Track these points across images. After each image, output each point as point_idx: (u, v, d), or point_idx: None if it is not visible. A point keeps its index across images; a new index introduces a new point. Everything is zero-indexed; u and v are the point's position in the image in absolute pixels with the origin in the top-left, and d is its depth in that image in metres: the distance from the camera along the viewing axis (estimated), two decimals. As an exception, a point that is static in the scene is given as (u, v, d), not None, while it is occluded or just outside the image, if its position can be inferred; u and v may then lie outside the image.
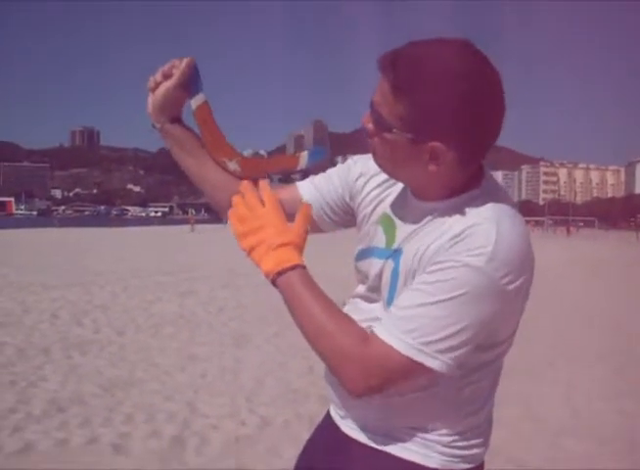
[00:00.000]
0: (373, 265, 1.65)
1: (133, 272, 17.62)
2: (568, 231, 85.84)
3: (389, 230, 1.64)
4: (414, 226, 1.57)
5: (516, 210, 1.52)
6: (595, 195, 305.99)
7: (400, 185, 1.65)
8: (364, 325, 1.51)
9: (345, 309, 1.68)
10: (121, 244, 35.45)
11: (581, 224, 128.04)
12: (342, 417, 1.71)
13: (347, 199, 1.78)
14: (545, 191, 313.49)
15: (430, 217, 1.54)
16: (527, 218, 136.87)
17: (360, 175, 1.74)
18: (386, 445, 1.60)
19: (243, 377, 6.77)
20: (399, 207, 1.65)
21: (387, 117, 1.44)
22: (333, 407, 1.77)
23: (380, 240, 1.65)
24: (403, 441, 1.59)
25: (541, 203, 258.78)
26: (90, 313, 10.68)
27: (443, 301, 1.39)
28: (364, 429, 1.64)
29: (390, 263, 1.58)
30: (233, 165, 1.73)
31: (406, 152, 1.45)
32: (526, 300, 1.52)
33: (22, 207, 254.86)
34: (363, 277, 1.70)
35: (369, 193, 1.73)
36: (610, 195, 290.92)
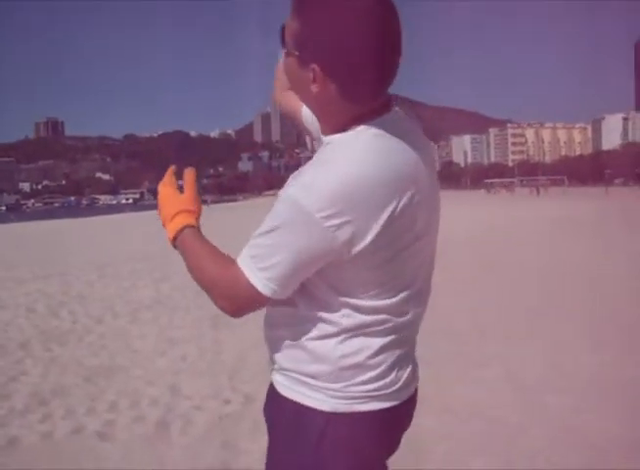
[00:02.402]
0: None
1: (108, 261, 17.52)
2: (537, 191, 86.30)
3: None
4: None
5: (384, 156, 1.51)
6: (563, 153, 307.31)
7: None
8: None
9: None
10: (94, 233, 35.20)
11: (550, 183, 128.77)
12: (271, 365, 1.82)
13: None
14: (514, 152, 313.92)
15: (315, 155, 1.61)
16: (497, 180, 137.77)
17: None
18: (284, 388, 1.70)
19: (223, 357, 6.79)
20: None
21: (287, 35, 1.56)
22: None
23: None
24: (300, 384, 1.67)
25: (510, 164, 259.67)
26: (67, 304, 10.62)
27: (269, 231, 1.52)
28: (276, 370, 1.75)
29: None
30: None
31: (298, 72, 1.56)
32: (383, 244, 1.51)
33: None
34: None
35: None
36: (578, 153, 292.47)
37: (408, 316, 1.67)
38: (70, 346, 7.70)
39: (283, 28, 1.58)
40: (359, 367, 1.62)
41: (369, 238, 1.48)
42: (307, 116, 1.98)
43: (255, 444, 4.28)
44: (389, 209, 1.48)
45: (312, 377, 1.64)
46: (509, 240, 18.88)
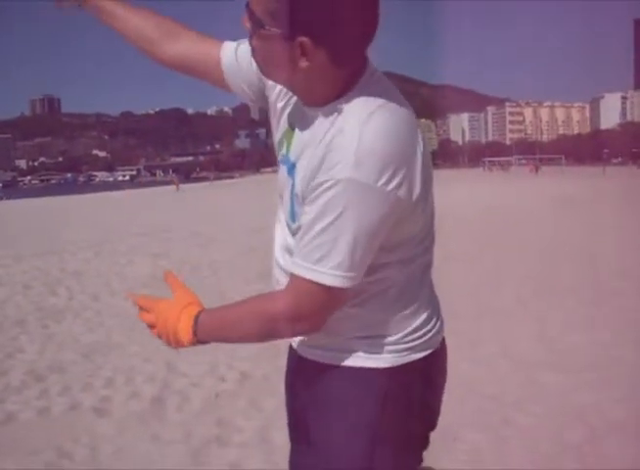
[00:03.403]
0: (281, 175, 1.71)
1: (104, 237, 17.50)
2: (535, 169, 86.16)
3: (288, 138, 1.69)
4: (304, 138, 1.60)
5: (394, 104, 1.52)
6: (561, 132, 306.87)
7: None
8: (278, 254, 1.71)
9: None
10: (90, 210, 35.16)
11: (548, 162, 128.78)
12: (297, 343, 1.78)
13: (262, 85, 1.79)
14: (512, 131, 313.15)
15: (313, 127, 1.57)
16: (495, 159, 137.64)
17: None
18: (337, 359, 1.67)
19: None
20: (297, 112, 1.67)
21: (259, 13, 1.46)
22: None
23: (285, 148, 1.70)
24: (352, 351, 1.65)
25: (508, 143, 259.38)
26: (63, 281, 10.62)
27: (333, 222, 1.44)
28: (315, 347, 1.71)
29: (290, 182, 1.63)
30: None
31: (279, 50, 1.47)
32: (422, 191, 1.52)
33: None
34: (280, 190, 1.74)
35: (282, 89, 1.73)
36: (576, 132, 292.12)
37: (431, 261, 1.73)
38: (67, 322, 7.70)
39: (249, 8, 1.49)
40: (410, 317, 1.66)
41: (419, 185, 1.50)
42: (231, 64, 1.82)
43: (251, 421, 4.29)
44: (419, 154, 1.51)
45: (366, 337, 1.65)
46: (506, 219, 18.85)
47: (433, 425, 1.85)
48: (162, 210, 32.28)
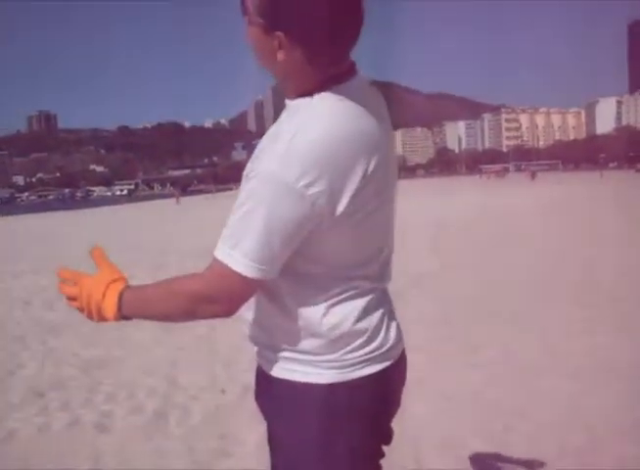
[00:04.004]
0: None
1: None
2: (532, 176, 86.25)
3: None
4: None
5: (346, 119, 1.54)
6: (557, 138, 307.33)
7: None
8: None
9: None
10: (88, 225, 35.15)
11: (545, 168, 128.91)
12: (257, 354, 1.81)
13: None
14: (508, 138, 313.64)
15: (279, 119, 1.61)
16: (492, 166, 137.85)
17: None
18: (280, 370, 1.70)
19: (219, 346, 6.77)
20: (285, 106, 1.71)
21: (248, 4, 1.54)
22: None
23: None
24: (293, 364, 1.67)
25: (505, 150, 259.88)
26: (62, 297, 10.54)
27: (250, 211, 1.48)
28: (261, 356, 1.76)
29: None
30: None
31: (261, 39, 1.55)
32: (351, 209, 1.53)
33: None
34: None
35: None
36: (572, 137, 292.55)
37: (381, 276, 1.74)
38: (67, 338, 7.68)
39: None
40: (349, 334, 1.65)
41: (346, 200, 1.51)
42: None
43: (252, 434, 4.27)
44: (361, 170, 1.52)
45: (305, 353, 1.66)
46: (503, 225, 18.87)
47: (386, 439, 1.83)
48: (161, 223, 32.30)
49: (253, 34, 1.58)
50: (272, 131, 1.55)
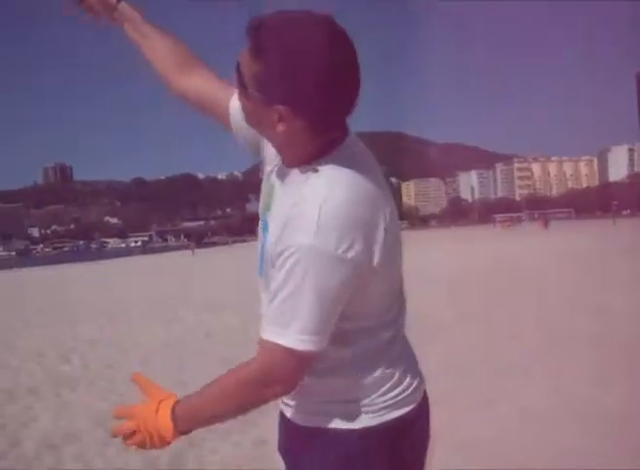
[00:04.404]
0: (259, 239, 1.76)
1: (117, 304, 17.52)
2: (545, 224, 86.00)
3: (267, 196, 1.76)
4: (278, 197, 1.68)
5: (360, 178, 1.57)
6: (570, 186, 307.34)
7: None
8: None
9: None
10: (103, 277, 35.28)
11: (558, 216, 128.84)
12: (284, 403, 1.82)
13: (260, 143, 1.86)
14: (521, 187, 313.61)
15: (286, 187, 1.65)
16: (504, 215, 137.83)
17: None
18: (315, 422, 1.71)
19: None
20: (279, 172, 1.73)
21: (245, 76, 1.55)
22: None
23: (263, 206, 1.78)
24: (328, 414, 1.68)
25: (518, 199, 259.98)
26: (77, 349, 10.62)
27: (296, 287, 1.49)
28: (297, 411, 1.76)
29: (263, 238, 1.71)
30: None
31: (261, 112, 1.56)
32: (383, 259, 1.57)
33: (0, 248, 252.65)
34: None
35: (271, 153, 1.80)
36: (585, 185, 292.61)
37: (402, 319, 1.78)
38: (81, 391, 7.68)
39: (238, 68, 1.57)
40: (380, 378, 1.68)
41: (378, 254, 1.55)
42: (237, 113, 1.83)
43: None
44: (383, 222, 1.57)
45: (338, 401, 1.69)
46: (517, 275, 18.81)
47: None
48: (174, 275, 32.36)
49: (251, 106, 1.59)
50: (290, 202, 1.56)
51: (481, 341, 9.07)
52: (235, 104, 1.86)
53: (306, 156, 1.60)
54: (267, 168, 1.82)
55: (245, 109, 1.64)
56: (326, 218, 1.47)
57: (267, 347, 1.54)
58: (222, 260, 47.15)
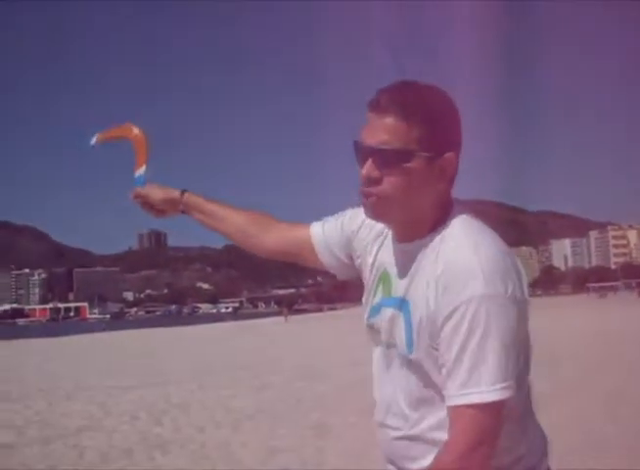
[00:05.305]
0: (383, 319, 1.75)
1: (208, 369, 17.67)
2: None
3: (386, 282, 1.75)
4: (408, 272, 1.67)
5: (481, 223, 1.65)
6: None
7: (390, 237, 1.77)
8: (401, 395, 1.70)
9: (375, 380, 1.83)
10: (194, 342, 35.69)
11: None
12: None
13: (349, 245, 1.92)
14: (616, 255, 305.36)
15: (416, 260, 1.65)
16: (600, 284, 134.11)
17: (362, 225, 1.87)
18: None
19: (326, 468, 6.68)
20: (391, 257, 1.75)
21: (403, 146, 1.56)
22: None
23: (382, 292, 1.77)
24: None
25: (613, 267, 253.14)
26: (169, 412, 10.72)
27: (481, 340, 1.48)
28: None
29: (400, 315, 1.67)
30: None
31: (422, 174, 1.58)
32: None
33: (96, 310, 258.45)
34: (376, 334, 1.79)
35: (369, 242, 1.84)
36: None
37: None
38: (173, 455, 7.73)
39: (379, 150, 1.57)
40: (535, 434, 1.76)
41: (526, 294, 1.60)
42: (321, 240, 1.97)
43: None
44: (523, 270, 1.62)
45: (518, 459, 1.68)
46: (613, 347, 18.19)
47: None
48: (264, 341, 32.48)
49: (410, 175, 1.58)
50: (433, 265, 1.58)
51: (578, 412, 8.77)
52: (315, 230, 1.99)
53: (433, 220, 1.64)
54: (368, 262, 1.84)
55: (393, 188, 1.59)
56: (487, 264, 1.51)
57: (464, 413, 1.49)
58: (314, 327, 47.17)
